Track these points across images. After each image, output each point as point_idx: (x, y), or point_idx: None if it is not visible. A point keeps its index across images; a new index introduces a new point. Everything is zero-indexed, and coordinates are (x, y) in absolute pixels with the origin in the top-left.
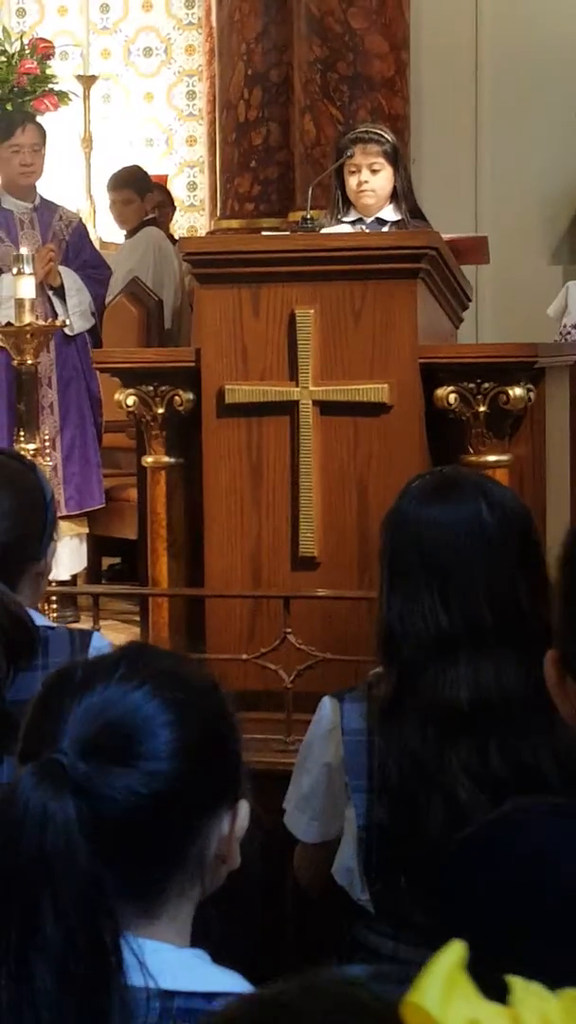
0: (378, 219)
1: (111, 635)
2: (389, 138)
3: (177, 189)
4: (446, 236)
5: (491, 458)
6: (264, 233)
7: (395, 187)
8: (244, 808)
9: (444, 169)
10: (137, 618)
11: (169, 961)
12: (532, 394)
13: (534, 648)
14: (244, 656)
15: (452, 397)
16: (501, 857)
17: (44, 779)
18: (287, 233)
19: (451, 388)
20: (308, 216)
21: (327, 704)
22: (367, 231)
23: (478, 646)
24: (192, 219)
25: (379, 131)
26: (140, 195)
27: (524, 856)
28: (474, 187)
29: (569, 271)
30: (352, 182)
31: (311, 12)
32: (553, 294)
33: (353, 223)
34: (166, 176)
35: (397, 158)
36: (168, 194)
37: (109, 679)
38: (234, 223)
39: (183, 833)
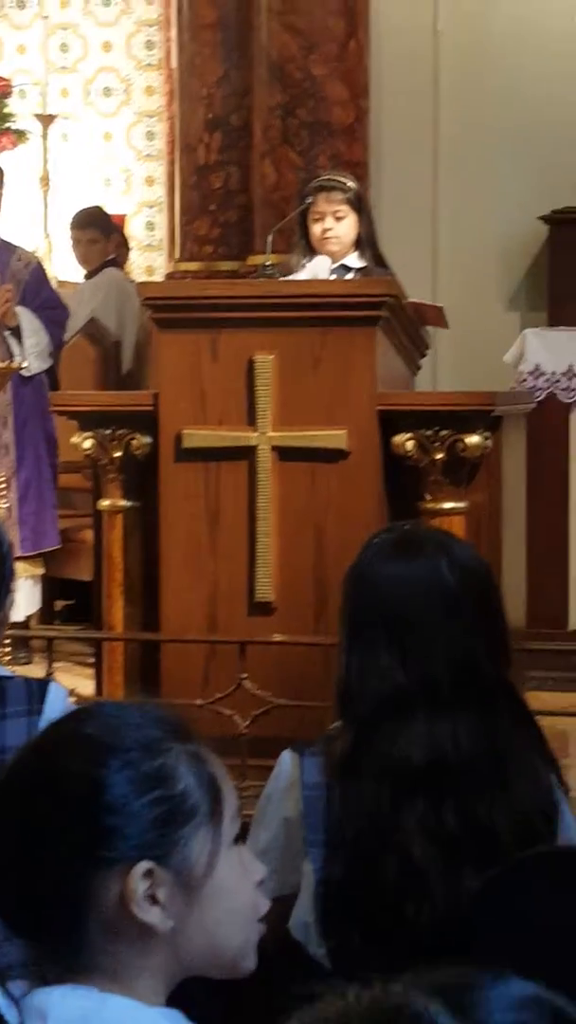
0: (343, 265)
1: (65, 678)
2: (353, 185)
3: (135, 228)
4: (411, 300)
5: (447, 505)
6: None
7: (359, 234)
8: (139, 870)
9: (403, 215)
10: (91, 660)
11: (115, 1013)
12: (489, 442)
13: (491, 707)
14: (199, 701)
15: (410, 444)
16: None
17: None
18: (247, 280)
19: (409, 435)
20: (268, 263)
21: (287, 758)
22: (331, 278)
23: (435, 704)
24: (150, 259)
25: (343, 178)
26: (105, 235)
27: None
28: (432, 233)
29: (527, 318)
30: (316, 229)
31: (272, 58)
32: (510, 341)
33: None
34: (124, 216)
35: (361, 205)
36: (124, 236)
37: None
38: (193, 265)
39: (55, 883)
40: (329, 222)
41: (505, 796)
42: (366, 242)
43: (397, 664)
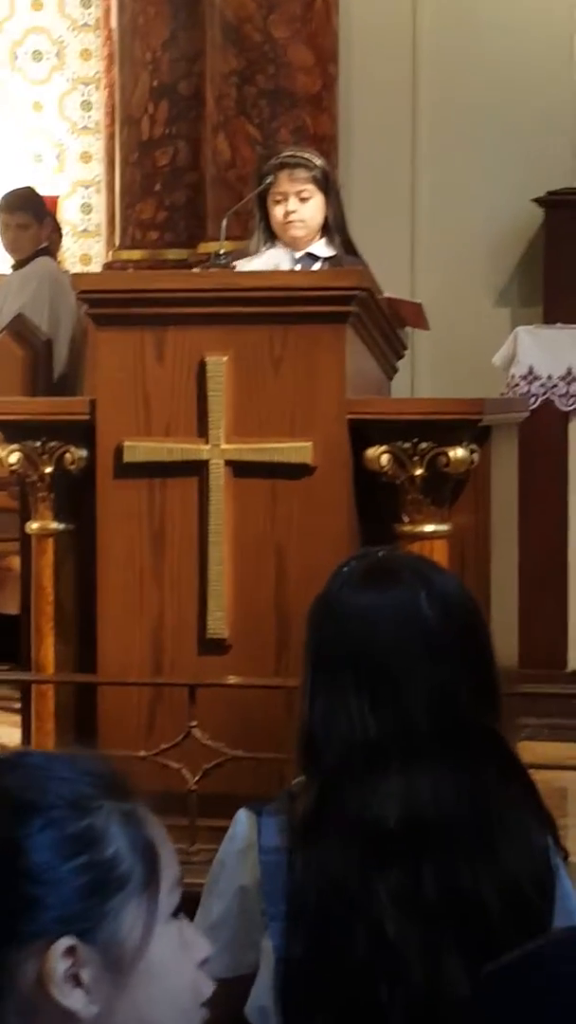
0: (309, 254)
1: None
2: (319, 163)
3: (69, 212)
4: (386, 295)
5: (428, 528)
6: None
7: (326, 218)
8: (59, 947)
9: (376, 197)
10: (18, 705)
11: None
12: (476, 455)
13: (476, 759)
14: (142, 753)
15: (384, 458)
16: (535, 996)
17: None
18: (197, 270)
19: (383, 448)
20: (221, 251)
21: (243, 818)
22: (295, 269)
23: (412, 756)
24: (86, 245)
25: (307, 155)
26: (38, 220)
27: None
28: (411, 218)
29: (518, 315)
30: (278, 212)
31: (226, 18)
32: (499, 341)
33: None
34: (56, 197)
35: (328, 185)
36: (56, 219)
37: None
38: (135, 254)
39: None
40: (293, 204)
41: (492, 861)
42: (334, 227)
43: (368, 709)
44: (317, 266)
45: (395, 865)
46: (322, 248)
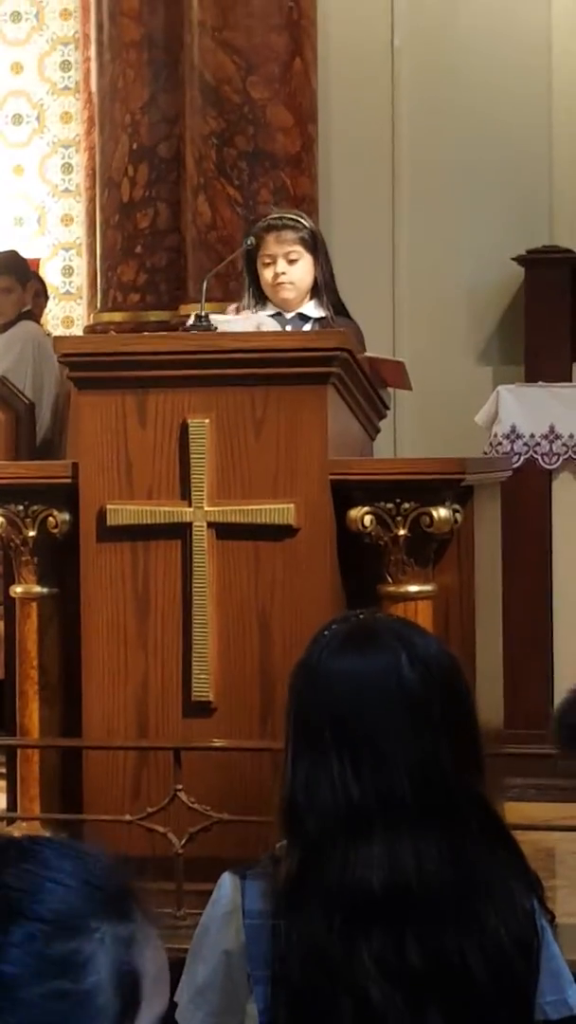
0: (299, 315)
1: None
2: (307, 224)
3: (51, 274)
4: (367, 354)
5: (412, 588)
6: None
7: (316, 279)
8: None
9: (357, 256)
10: (2, 769)
11: None
12: (459, 515)
13: (459, 823)
14: (128, 817)
15: (367, 519)
16: None
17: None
18: (178, 332)
19: (366, 509)
20: (202, 312)
21: (227, 882)
22: (285, 329)
23: (394, 821)
24: (68, 308)
25: (295, 216)
26: (21, 283)
27: None
28: (391, 277)
29: (500, 373)
30: (267, 275)
31: (205, 80)
32: (482, 400)
33: (273, 317)
34: (38, 260)
35: (317, 245)
36: (42, 282)
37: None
38: (117, 316)
39: None
40: (281, 266)
41: (476, 926)
42: (324, 287)
43: (350, 775)
44: (308, 327)
45: (379, 931)
46: (312, 309)
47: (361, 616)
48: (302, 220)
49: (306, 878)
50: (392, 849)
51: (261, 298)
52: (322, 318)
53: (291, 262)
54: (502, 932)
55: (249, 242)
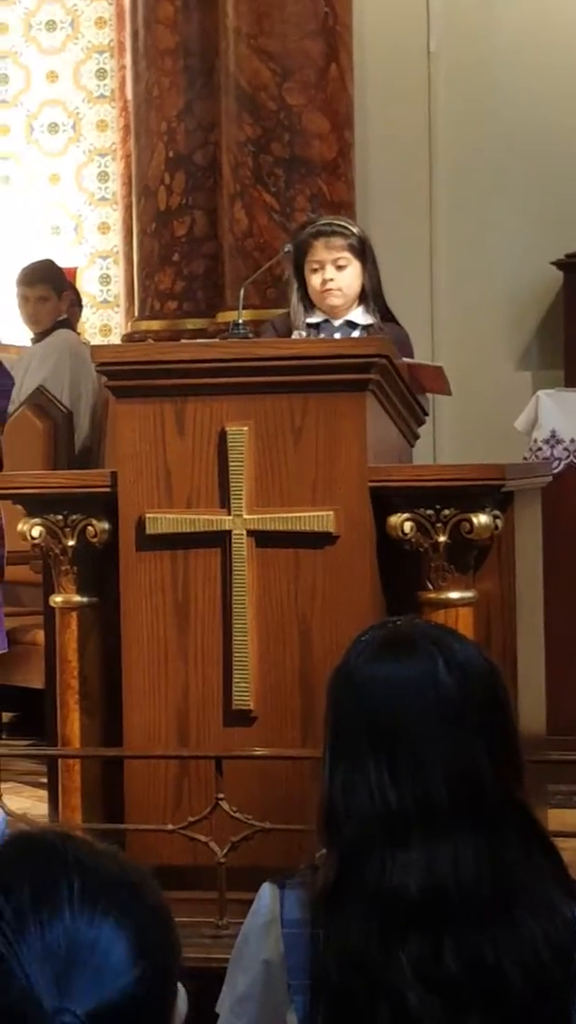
0: (348, 322)
1: (14, 800)
2: (355, 230)
3: (88, 283)
4: (405, 360)
5: (453, 595)
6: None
7: (363, 285)
8: (181, 990)
9: (395, 262)
10: (44, 779)
11: None
12: (499, 522)
13: (498, 830)
14: (170, 826)
15: (407, 526)
16: None
17: None
18: (216, 340)
19: (406, 515)
20: (240, 320)
21: (266, 892)
22: (336, 336)
23: (432, 827)
24: (105, 316)
25: (344, 222)
26: (57, 292)
27: None
28: (429, 283)
29: (539, 378)
30: (315, 281)
31: (241, 87)
32: (521, 405)
33: (318, 326)
34: (75, 269)
35: (365, 252)
36: (76, 292)
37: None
38: (154, 324)
39: None
40: (330, 272)
41: (513, 933)
42: (372, 294)
43: (388, 780)
44: (356, 334)
45: (416, 936)
46: (360, 316)
47: (398, 622)
48: (350, 226)
49: (344, 884)
50: (430, 855)
51: (309, 304)
52: (370, 325)
53: (339, 268)
54: (539, 940)
55: (287, 248)
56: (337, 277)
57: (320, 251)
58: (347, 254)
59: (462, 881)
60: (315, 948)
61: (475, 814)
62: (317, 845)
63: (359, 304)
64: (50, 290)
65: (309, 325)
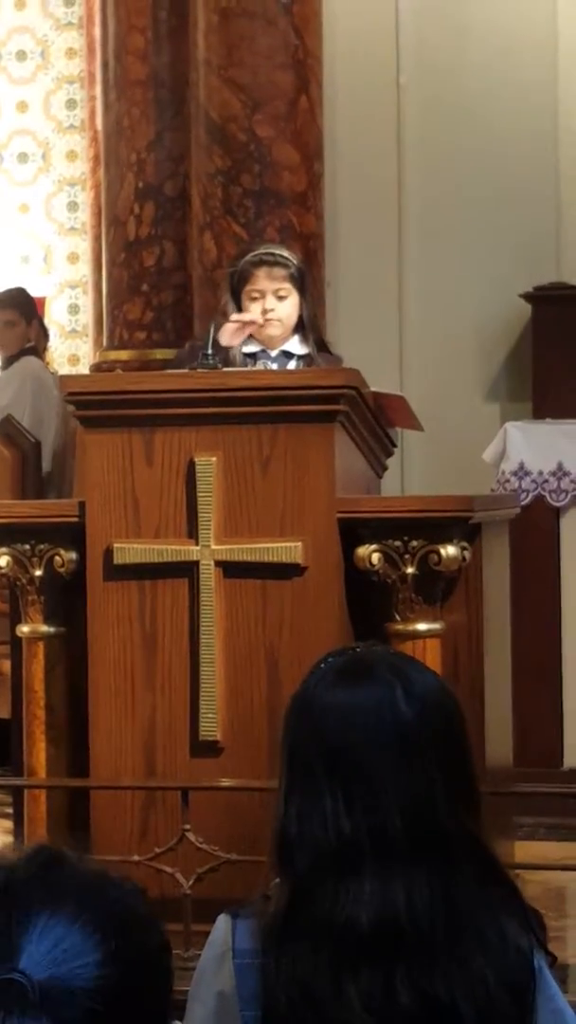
0: (284, 352)
1: None
2: (295, 260)
3: (57, 312)
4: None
5: (421, 626)
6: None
7: (301, 316)
8: None
9: (364, 294)
10: (9, 810)
11: None
12: (467, 553)
13: (451, 863)
14: (136, 857)
15: (375, 557)
16: None
17: (9, 1003)
18: (185, 370)
19: (374, 547)
20: (209, 350)
21: (220, 923)
22: (272, 366)
23: (385, 858)
24: (74, 346)
25: (285, 252)
26: (26, 319)
27: None
28: (398, 314)
29: (507, 410)
30: (255, 309)
31: (211, 118)
32: (489, 437)
33: (255, 355)
34: (44, 298)
35: (304, 283)
36: (42, 323)
37: (45, 894)
38: (123, 354)
39: None
40: (271, 302)
41: (465, 967)
42: (309, 325)
43: (343, 809)
44: (292, 364)
45: (367, 968)
46: (296, 345)
47: (358, 649)
48: (291, 257)
49: (295, 913)
50: (383, 886)
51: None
52: (307, 355)
53: (280, 298)
54: (490, 973)
55: (232, 272)
56: (277, 307)
57: (261, 280)
58: (288, 284)
59: (415, 914)
60: (265, 978)
61: (430, 846)
62: (271, 874)
63: (295, 333)
64: (18, 315)
65: (246, 355)
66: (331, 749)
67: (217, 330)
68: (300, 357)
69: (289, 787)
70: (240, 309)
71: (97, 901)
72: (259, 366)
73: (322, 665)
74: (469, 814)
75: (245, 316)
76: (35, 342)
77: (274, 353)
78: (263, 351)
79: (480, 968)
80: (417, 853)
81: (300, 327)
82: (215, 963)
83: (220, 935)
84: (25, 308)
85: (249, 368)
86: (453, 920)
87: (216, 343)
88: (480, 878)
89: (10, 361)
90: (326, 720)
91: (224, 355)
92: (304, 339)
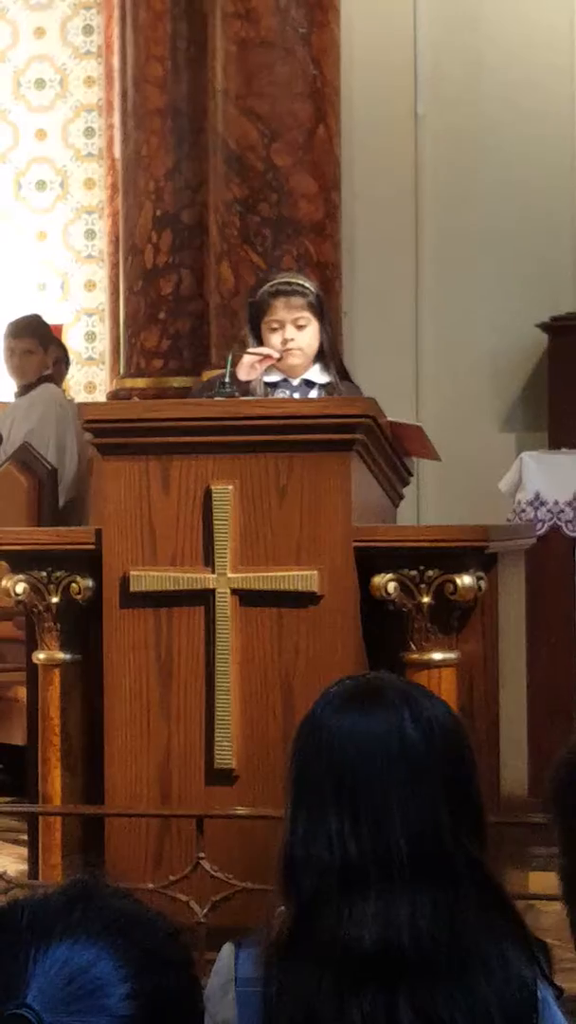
0: (306, 381)
1: None
2: (313, 288)
3: (73, 340)
4: (388, 419)
5: (436, 656)
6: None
7: (321, 344)
8: None
9: (380, 323)
10: (24, 837)
11: None
12: (483, 583)
13: (455, 889)
14: (150, 885)
15: (391, 586)
16: None
17: None
18: (202, 399)
19: (390, 576)
20: (226, 379)
21: (224, 952)
22: (295, 396)
23: (390, 881)
24: (91, 374)
25: (302, 281)
26: (43, 346)
27: None
28: (414, 344)
29: (523, 440)
30: (275, 340)
31: (229, 147)
32: (505, 466)
33: (276, 385)
34: (61, 326)
35: (323, 310)
36: (64, 348)
37: (65, 927)
38: (140, 382)
39: None
40: (290, 332)
41: (466, 993)
42: (329, 353)
43: (348, 831)
44: (314, 393)
45: (370, 991)
46: (318, 374)
47: (368, 676)
48: (309, 285)
49: (299, 934)
50: (387, 909)
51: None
52: (328, 383)
53: (299, 328)
54: (492, 1000)
55: (252, 302)
56: (297, 337)
57: (280, 311)
58: (307, 313)
59: (418, 937)
60: (267, 1005)
61: (434, 870)
62: (277, 902)
63: (316, 362)
64: (36, 344)
65: (267, 384)
66: (338, 772)
67: (235, 360)
68: (322, 386)
69: (296, 809)
70: (260, 340)
71: (126, 936)
72: (279, 395)
73: (332, 690)
74: (475, 841)
75: (263, 350)
76: (53, 370)
77: (296, 382)
78: (284, 380)
79: (482, 994)
80: (421, 877)
81: (321, 355)
82: (219, 993)
83: (223, 964)
84: (42, 336)
85: (267, 397)
86: (456, 945)
87: (234, 375)
88: (484, 906)
89: (27, 388)
90: (334, 743)
91: (244, 387)
92: (325, 367)
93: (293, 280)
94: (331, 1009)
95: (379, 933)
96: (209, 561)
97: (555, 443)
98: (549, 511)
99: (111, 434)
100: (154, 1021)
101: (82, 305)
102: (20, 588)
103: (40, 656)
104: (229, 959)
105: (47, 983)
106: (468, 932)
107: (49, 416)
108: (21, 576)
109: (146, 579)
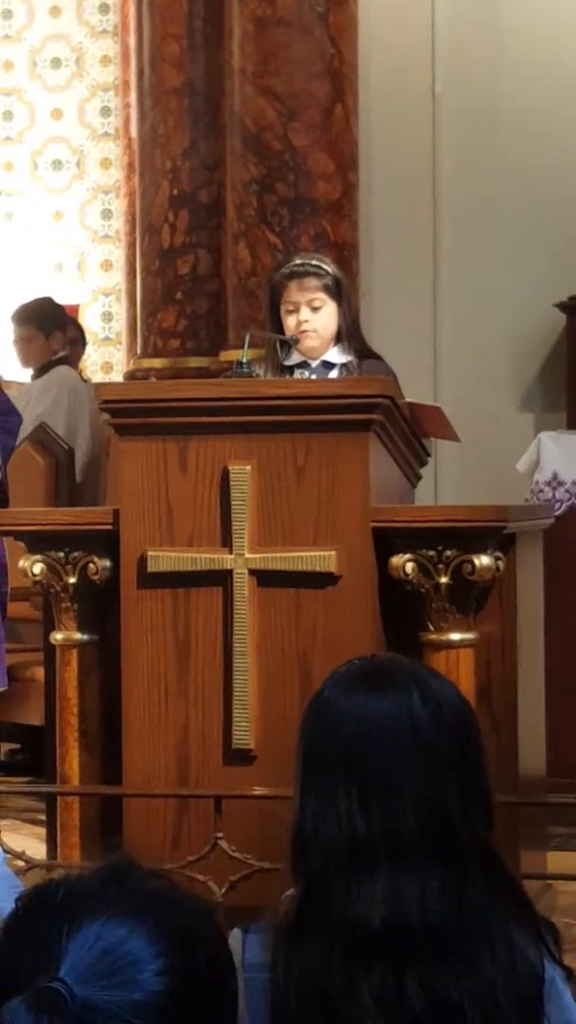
0: (324, 362)
1: (12, 838)
2: (330, 269)
3: (90, 320)
4: (407, 400)
5: (454, 636)
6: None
7: (339, 325)
8: None
9: (398, 303)
10: (42, 817)
11: None
12: (501, 563)
13: (462, 868)
14: (168, 865)
15: (409, 566)
16: None
17: (43, 1011)
18: (220, 379)
19: (408, 556)
20: (244, 359)
21: (233, 937)
22: (312, 377)
23: (399, 859)
24: (107, 354)
25: (317, 262)
26: (44, 333)
27: None
28: (432, 324)
29: (541, 420)
30: (290, 322)
31: (246, 127)
32: (523, 447)
33: (296, 367)
34: (77, 306)
35: (340, 291)
36: (80, 329)
37: (99, 905)
38: (156, 362)
39: None
40: (305, 313)
41: (472, 972)
42: (347, 333)
43: (357, 809)
44: (333, 374)
45: (378, 967)
46: (336, 355)
47: (377, 655)
48: (324, 265)
49: (308, 911)
50: (395, 887)
51: (285, 346)
52: (346, 363)
53: (315, 310)
54: (498, 980)
55: (272, 287)
56: (312, 319)
57: (294, 293)
58: (322, 295)
59: (426, 915)
60: (276, 991)
61: (442, 849)
62: (286, 883)
63: (335, 343)
64: (35, 331)
65: (286, 367)
66: (348, 751)
67: (250, 340)
68: (341, 366)
69: (305, 788)
70: (278, 322)
71: (159, 914)
72: (298, 376)
73: (340, 670)
74: (483, 821)
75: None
76: (68, 352)
77: (314, 364)
78: (303, 363)
79: (488, 974)
80: (430, 856)
81: (339, 336)
82: None
83: (231, 949)
84: (42, 321)
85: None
86: (463, 924)
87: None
88: (491, 886)
89: (42, 371)
90: (343, 722)
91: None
92: (344, 348)
93: (308, 261)
94: (339, 986)
95: (387, 912)
96: (227, 541)
97: (573, 423)
98: (567, 491)
99: (128, 414)
100: (186, 997)
101: (99, 285)
102: (37, 568)
103: (58, 637)
104: (237, 944)
105: (80, 959)
106: (475, 912)
107: (62, 397)
108: (38, 556)
109: (164, 559)
